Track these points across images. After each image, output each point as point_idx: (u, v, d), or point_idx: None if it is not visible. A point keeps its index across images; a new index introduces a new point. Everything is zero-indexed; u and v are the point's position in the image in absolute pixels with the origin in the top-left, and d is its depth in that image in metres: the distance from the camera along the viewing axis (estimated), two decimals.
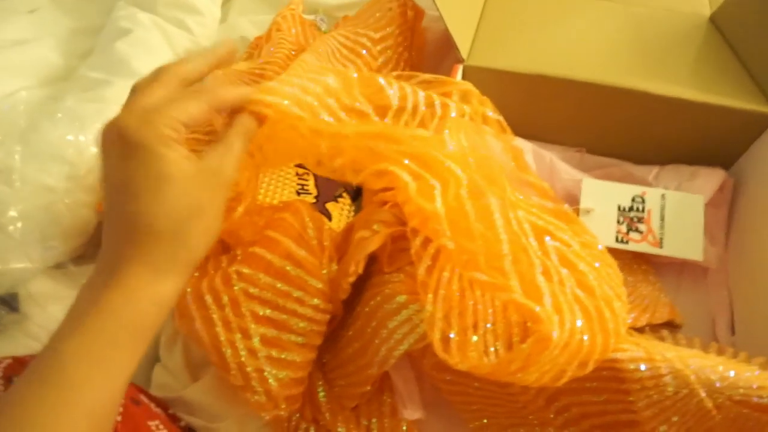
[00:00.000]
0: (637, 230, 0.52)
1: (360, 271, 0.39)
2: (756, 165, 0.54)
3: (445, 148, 0.39)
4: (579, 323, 0.34)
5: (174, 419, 0.42)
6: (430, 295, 0.36)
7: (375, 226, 0.40)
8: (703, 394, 0.36)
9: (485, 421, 0.45)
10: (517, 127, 0.56)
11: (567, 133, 0.60)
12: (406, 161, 0.37)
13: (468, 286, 0.36)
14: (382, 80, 0.42)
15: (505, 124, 0.47)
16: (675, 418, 0.38)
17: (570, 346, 0.33)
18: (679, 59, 0.58)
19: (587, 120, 0.59)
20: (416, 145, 0.38)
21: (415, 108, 0.43)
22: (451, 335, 0.35)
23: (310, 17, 0.72)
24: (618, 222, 0.53)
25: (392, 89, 0.42)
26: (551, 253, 0.38)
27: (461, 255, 0.35)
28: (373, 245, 0.39)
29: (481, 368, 0.34)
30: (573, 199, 0.54)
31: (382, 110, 0.42)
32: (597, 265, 0.41)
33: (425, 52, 0.67)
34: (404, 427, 0.43)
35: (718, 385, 0.36)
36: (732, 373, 0.37)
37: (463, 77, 0.57)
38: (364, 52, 0.59)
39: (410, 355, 0.42)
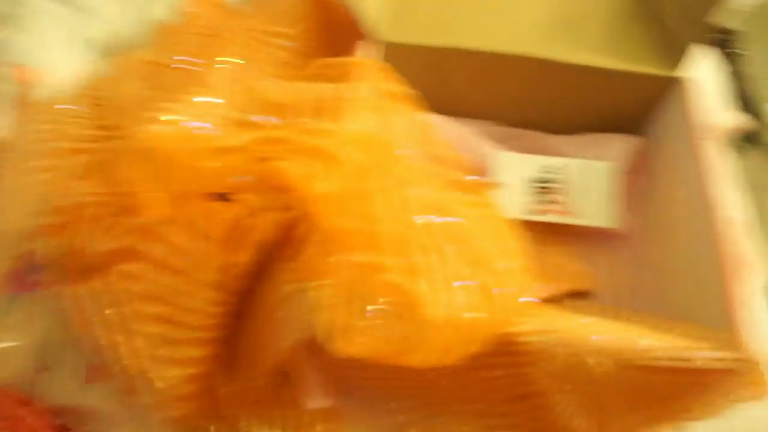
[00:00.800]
0: (548, 201, 0.52)
1: (245, 260, 0.38)
2: (666, 129, 0.54)
3: (334, 135, 0.39)
4: (461, 300, 0.33)
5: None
6: (316, 282, 0.35)
7: (262, 214, 0.38)
8: (591, 362, 0.36)
9: (395, 404, 0.44)
10: (435, 102, 0.56)
11: (485, 107, 0.59)
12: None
13: (358, 270, 0.35)
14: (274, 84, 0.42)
15: (412, 97, 0.46)
16: (568, 387, 0.38)
17: (451, 324, 0.32)
18: (592, 28, 0.57)
19: (503, 92, 0.58)
20: (304, 139, 0.38)
21: (309, 102, 0.43)
22: (338, 322, 0.34)
23: None
24: (529, 194, 0.52)
25: (284, 90, 0.42)
26: (438, 229, 0.37)
27: (341, 236, 0.34)
28: (258, 233, 0.38)
29: (364, 354, 0.33)
30: (485, 173, 0.54)
31: (279, 110, 0.42)
32: (495, 238, 0.40)
33: (343, 32, 0.65)
34: (306, 418, 0.42)
35: (606, 350, 0.36)
36: (622, 338, 0.37)
37: (378, 54, 0.56)
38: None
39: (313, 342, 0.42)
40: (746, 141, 1.46)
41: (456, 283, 0.34)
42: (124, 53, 0.60)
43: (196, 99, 0.43)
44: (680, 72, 0.52)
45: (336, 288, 0.34)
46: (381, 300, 0.32)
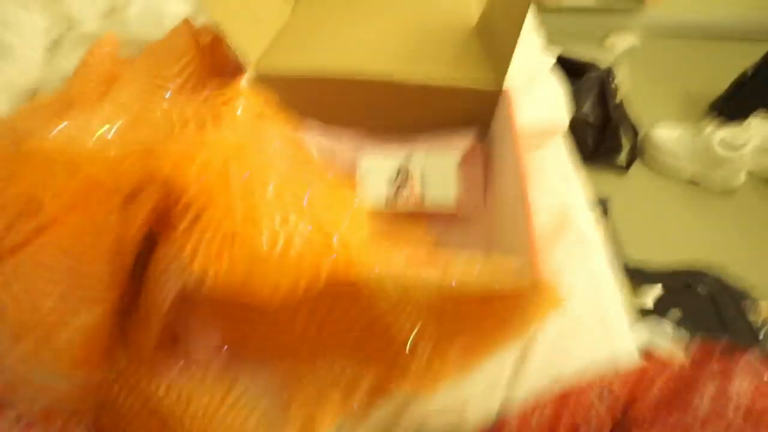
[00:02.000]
0: (403, 194, 0.63)
1: (134, 234, 0.47)
2: (496, 131, 0.67)
3: (204, 143, 0.48)
4: (298, 243, 0.43)
5: None
6: (189, 246, 0.44)
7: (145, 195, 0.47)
8: (417, 294, 0.46)
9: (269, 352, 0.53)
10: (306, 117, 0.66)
11: (351, 121, 0.71)
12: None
13: (223, 237, 0.44)
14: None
15: (282, 116, 0.57)
16: (404, 317, 0.47)
17: (286, 259, 0.42)
18: (436, 52, 0.70)
19: (364, 107, 0.70)
20: (178, 146, 0.47)
21: (183, 117, 0.52)
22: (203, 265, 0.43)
23: None
24: (387, 189, 0.63)
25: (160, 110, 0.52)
26: (288, 198, 0.47)
27: (209, 206, 0.44)
28: (144, 208, 0.47)
29: (222, 285, 0.41)
30: (350, 177, 0.64)
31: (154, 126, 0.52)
32: (342, 211, 0.50)
33: (228, 71, 0.77)
34: (200, 375, 0.50)
35: (425, 283, 0.46)
36: (434, 273, 0.46)
37: (253, 85, 0.67)
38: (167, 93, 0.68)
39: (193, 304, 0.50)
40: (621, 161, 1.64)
41: (296, 238, 0.43)
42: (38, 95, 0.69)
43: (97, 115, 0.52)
44: (500, 87, 0.65)
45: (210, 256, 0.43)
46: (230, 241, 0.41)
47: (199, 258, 0.42)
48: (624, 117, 1.59)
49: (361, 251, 0.47)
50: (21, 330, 0.47)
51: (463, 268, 0.48)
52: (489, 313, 0.48)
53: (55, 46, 0.86)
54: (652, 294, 1.13)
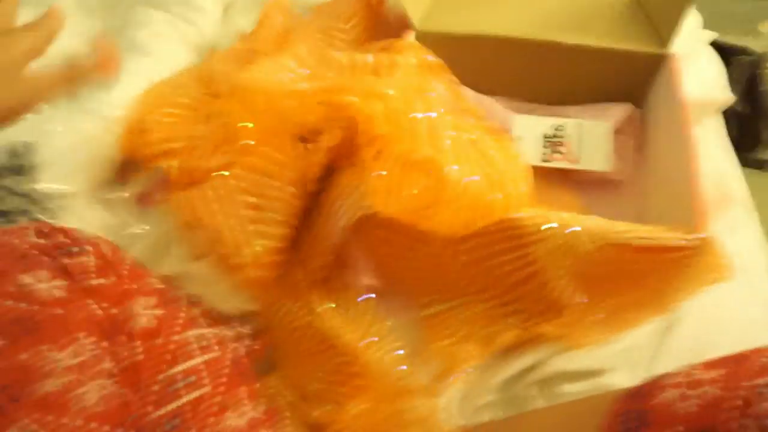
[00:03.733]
0: (558, 152, 0.64)
1: (318, 161, 0.52)
2: (656, 98, 0.66)
3: (387, 85, 0.52)
4: (476, 177, 0.45)
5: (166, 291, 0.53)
6: (373, 178, 0.48)
7: (331, 127, 0.52)
8: (576, 242, 0.47)
9: (426, 298, 0.56)
10: (465, 80, 0.69)
11: (502, 85, 0.72)
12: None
13: (408, 168, 0.48)
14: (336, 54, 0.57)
15: (445, 66, 0.60)
16: (561, 265, 0.48)
17: (468, 192, 0.44)
18: (594, 16, 0.70)
19: (517, 72, 0.71)
20: (363, 85, 0.51)
21: (364, 63, 0.56)
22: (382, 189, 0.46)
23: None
24: (543, 146, 0.64)
25: (349, 56, 0.56)
26: (466, 140, 0.50)
27: (389, 139, 0.47)
28: (328, 140, 0.51)
29: (398, 211, 0.45)
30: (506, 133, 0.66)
31: (344, 71, 0.56)
32: (508, 162, 0.52)
33: (390, 30, 0.81)
34: (359, 303, 0.55)
35: (597, 232, 0.47)
36: (601, 223, 0.47)
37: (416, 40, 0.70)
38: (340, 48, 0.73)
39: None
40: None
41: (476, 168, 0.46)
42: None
43: (283, 60, 0.57)
44: (668, 50, 0.64)
45: (392, 180, 0.47)
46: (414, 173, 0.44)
47: (381, 188, 0.46)
48: None
49: (526, 199, 0.49)
50: (212, 243, 0.54)
51: (627, 225, 0.48)
52: (651, 272, 0.48)
53: (230, 6, 0.94)
54: None
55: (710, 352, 0.38)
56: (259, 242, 0.51)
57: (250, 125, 0.53)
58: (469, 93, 0.68)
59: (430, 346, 0.55)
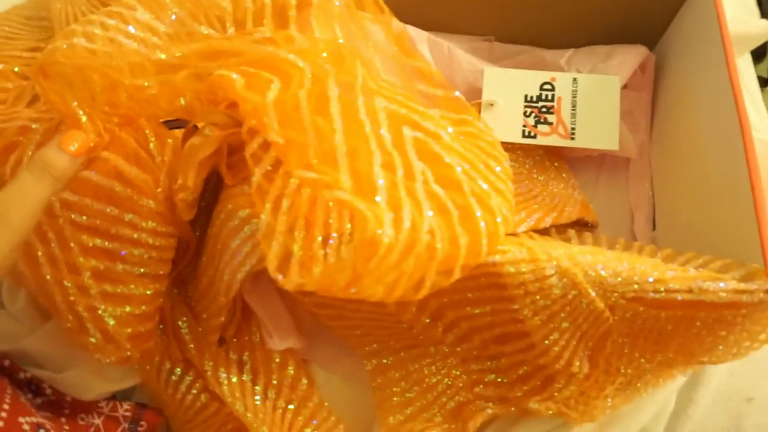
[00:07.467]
0: (545, 122, 0.46)
1: (190, 184, 0.33)
2: (677, 40, 0.48)
3: (292, 44, 0.33)
4: (427, 222, 0.28)
5: (13, 371, 0.37)
6: (268, 205, 0.30)
7: (206, 131, 0.33)
8: (593, 294, 0.31)
9: (375, 346, 0.40)
10: (418, 15, 0.49)
11: (473, 20, 0.53)
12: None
13: (311, 189, 0.30)
14: None
15: (382, 3, 0.40)
16: (565, 324, 0.33)
17: (415, 249, 0.27)
18: None
19: (494, 3, 0.51)
20: (259, 51, 0.32)
21: (260, 7, 0.37)
22: (294, 250, 0.29)
23: None
24: (525, 114, 0.47)
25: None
26: (408, 144, 0.32)
27: (295, 151, 0.29)
28: (203, 152, 0.33)
29: (319, 286, 0.28)
30: (476, 92, 0.48)
31: (220, 22, 0.36)
32: (476, 158, 0.35)
33: None
34: (277, 359, 0.38)
35: (610, 281, 0.31)
36: (625, 266, 0.31)
37: None
38: None
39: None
40: None
41: (425, 205, 0.28)
42: None
43: (137, 14, 0.37)
44: None
45: (287, 213, 0.29)
46: (331, 221, 0.27)
47: (276, 238, 0.28)
48: None
49: (509, 226, 0.32)
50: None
51: (660, 264, 0.32)
52: (686, 334, 0.33)
53: None
54: None
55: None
56: (110, 311, 0.33)
57: (84, 119, 0.34)
58: (420, 37, 0.49)
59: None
